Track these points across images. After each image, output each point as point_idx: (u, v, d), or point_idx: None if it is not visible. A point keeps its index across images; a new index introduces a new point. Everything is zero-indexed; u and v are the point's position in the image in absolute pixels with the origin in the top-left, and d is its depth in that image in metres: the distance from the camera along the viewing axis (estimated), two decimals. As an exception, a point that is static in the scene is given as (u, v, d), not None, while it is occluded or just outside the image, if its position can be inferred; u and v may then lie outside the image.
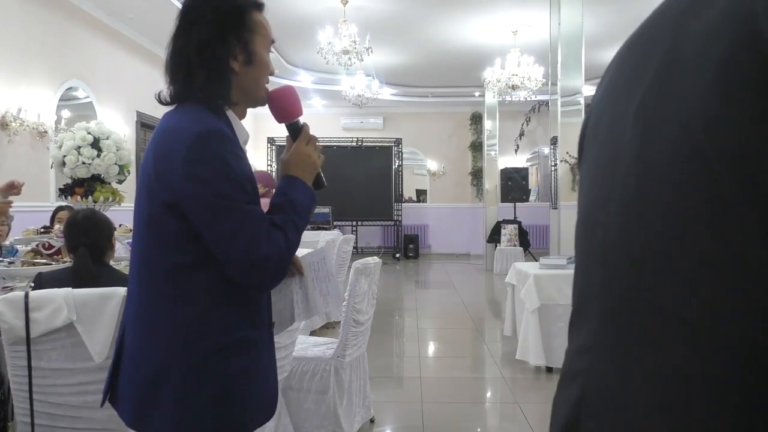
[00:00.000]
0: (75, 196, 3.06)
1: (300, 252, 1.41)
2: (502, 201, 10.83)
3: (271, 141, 11.85)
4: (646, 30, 0.56)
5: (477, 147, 12.54)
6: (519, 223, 10.13)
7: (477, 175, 12.54)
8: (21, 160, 5.41)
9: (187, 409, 1.20)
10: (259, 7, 1.33)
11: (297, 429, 2.78)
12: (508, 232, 9.83)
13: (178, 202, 1.18)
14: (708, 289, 0.44)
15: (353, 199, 11.61)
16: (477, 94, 11.30)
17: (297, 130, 1.38)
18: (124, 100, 7.34)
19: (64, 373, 1.91)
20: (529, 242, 10.44)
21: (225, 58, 1.25)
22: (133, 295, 1.28)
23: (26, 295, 1.89)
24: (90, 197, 3.04)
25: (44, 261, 2.78)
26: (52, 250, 2.86)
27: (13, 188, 2.79)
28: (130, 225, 3.80)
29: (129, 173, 3.26)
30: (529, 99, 9.45)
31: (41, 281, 2.16)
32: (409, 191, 13.08)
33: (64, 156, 2.99)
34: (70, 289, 1.92)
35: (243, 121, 1.36)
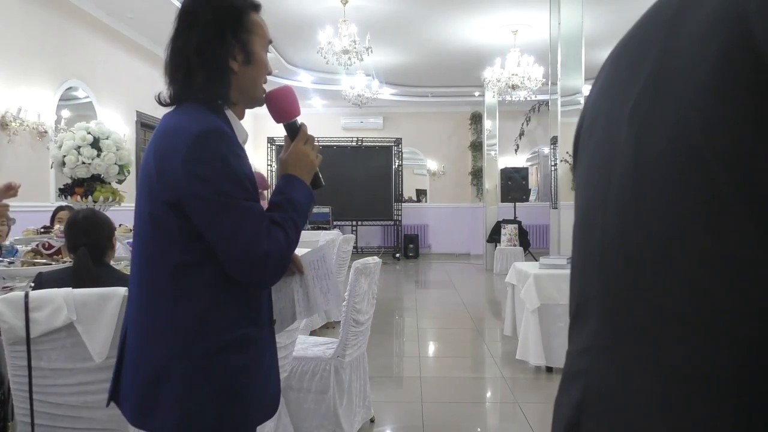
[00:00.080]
0: (75, 196, 3.06)
1: (299, 251, 1.42)
2: (502, 201, 10.83)
3: (270, 141, 11.85)
4: (640, 30, 0.57)
5: (477, 147, 12.54)
6: (519, 222, 10.13)
7: (477, 174, 12.54)
8: (21, 160, 5.41)
9: (188, 408, 1.21)
10: (256, 8, 1.34)
11: (297, 429, 2.78)
12: (508, 231, 9.84)
13: (178, 201, 1.19)
14: (707, 288, 0.44)
15: (353, 198, 11.62)
16: (477, 93, 11.30)
17: (295, 130, 1.39)
18: (124, 100, 7.34)
19: (64, 373, 1.91)
20: (529, 242, 10.44)
21: (224, 58, 1.26)
22: (134, 294, 1.29)
23: (26, 295, 1.89)
24: (90, 197, 3.04)
25: (44, 261, 2.78)
26: (52, 250, 2.86)
27: (10, 190, 2.78)
28: (130, 225, 3.80)
29: (129, 173, 3.26)
30: (529, 99, 9.46)
31: (41, 281, 2.17)
32: (409, 191, 13.08)
33: (64, 156, 2.99)
34: (70, 289, 1.92)
35: (243, 121, 1.37)
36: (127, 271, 2.57)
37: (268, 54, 1.38)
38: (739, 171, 0.42)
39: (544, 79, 7.88)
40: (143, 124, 7.78)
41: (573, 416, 0.56)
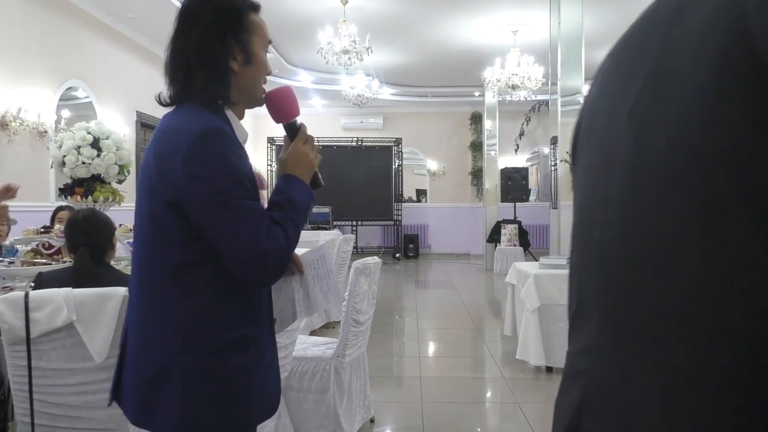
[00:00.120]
0: (75, 196, 3.06)
1: (299, 251, 1.42)
2: (502, 201, 10.83)
3: (270, 141, 11.86)
4: (639, 28, 0.57)
5: (477, 147, 12.54)
6: (519, 222, 10.13)
7: (477, 174, 12.54)
8: (21, 160, 5.41)
9: (188, 407, 1.21)
10: (256, 8, 1.34)
11: (297, 429, 2.78)
12: (508, 231, 9.84)
13: (179, 200, 1.19)
14: (706, 288, 0.44)
15: (353, 198, 11.62)
16: (477, 93, 11.30)
17: (294, 130, 1.39)
18: (124, 100, 7.34)
19: (64, 373, 1.91)
20: (529, 242, 10.44)
21: (224, 58, 1.27)
22: (135, 294, 1.29)
23: (26, 295, 1.89)
24: (90, 197, 3.04)
25: (44, 261, 2.78)
26: (52, 250, 2.87)
27: (9, 191, 2.78)
28: (130, 225, 3.80)
29: (129, 173, 3.26)
30: (529, 99, 9.46)
31: (41, 281, 2.17)
32: (409, 191, 13.08)
33: (64, 156, 2.99)
34: (70, 289, 1.92)
35: (243, 121, 1.38)
36: (127, 271, 2.58)
37: (268, 54, 1.39)
38: (738, 170, 0.42)
39: (544, 79, 7.88)
40: (143, 124, 7.78)
41: (574, 417, 0.56)
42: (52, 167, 5.15)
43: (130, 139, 7.24)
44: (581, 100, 5.80)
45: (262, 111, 1.39)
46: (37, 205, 5.40)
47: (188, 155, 1.17)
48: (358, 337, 3.01)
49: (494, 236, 10.23)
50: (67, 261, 2.69)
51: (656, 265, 0.48)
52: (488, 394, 4.02)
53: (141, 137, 7.73)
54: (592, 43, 6.84)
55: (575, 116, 0.68)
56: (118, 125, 6.88)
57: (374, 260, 3.05)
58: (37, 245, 2.92)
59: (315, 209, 10.27)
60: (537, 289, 4.10)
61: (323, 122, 12.46)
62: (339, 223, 11.16)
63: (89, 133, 3.03)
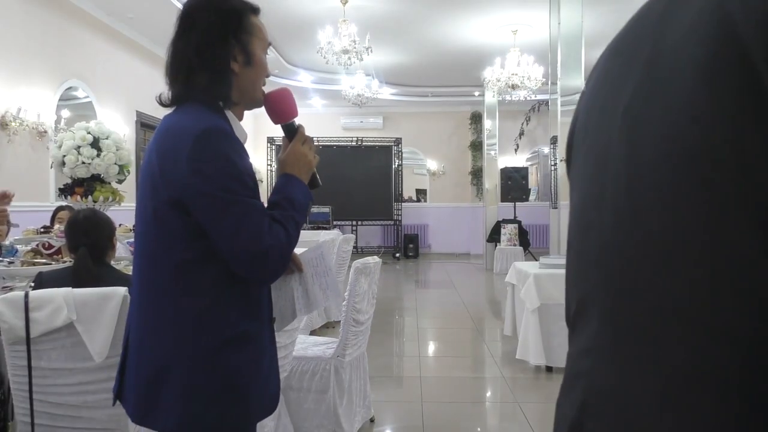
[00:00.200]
0: (75, 196, 3.06)
1: (298, 250, 1.44)
2: (502, 200, 10.83)
3: (270, 141, 11.86)
4: (630, 30, 0.57)
5: (477, 146, 12.54)
6: (519, 222, 10.13)
7: (477, 174, 12.54)
8: (21, 159, 5.41)
9: (190, 404, 1.22)
10: (256, 11, 1.36)
11: (297, 429, 2.78)
12: (508, 231, 9.84)
13: (182, 198, 1.20)
14: (706, 287, 0.44)
15: (353, 198, 11.62)
16: (477, 93, 11.30)
17: (293, 131, 1.41)
18: (123, 100, 7.34)
19: (64, 372, 1.91)
20: (529, 242, 10.44)
21: (225, 59, 1.28)
22: (137, 292, 1.30)
23: (26, 295, 1.89)
24: (90, 197, 3.04)
25: (44, 261, 2.78)
26: (52, 250, 2.87)
27: (5, 198, 2.78)
28: (130, 225, 3.80)
29: (129, 173, 3.26)
30: (528, 98, 9.46)
31: (41, 281, 2.17)
32: (409, 191, 13.08)
33: (64, 156, 2.99)
34: (70, 288, 1.92)
35: (243, 120, 1.40)
36: (128, 271, 2.58)
37: (268, 55, 1.40)
38: (734, 170, 0.42)
39: (544, 79, 7.88)
40: (143, 124, 7.78)
41: (575, 417, 0.56)
42: (52, 167, 5.15)
43: (129, 139, 7.24)
44: (581, 100, 5.81)
45: (262, 111, 1.40)
46: (37, 205, 5.40)
47: (191, 153, 1.19)
48: (358, 337, 3.01)
49: (494, 236, 10.23)
50: (67, 261, 2.69)
51: (655, 265, 0.48)
52: (488, 394, 4.02)
53: (141, 137, 7.73)
54: (592, 43, 6.84)
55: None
56: (118, 125, 6.88)
57: (374, 260, 3.05)
58: (37, 245, 2.92)
59: (315, 209, 10.35)
60: (537, 289, 4.10)
61: (323, 122, 12.46)
62: (339, 222, 11.16)
63: (89, 133, 3.03)
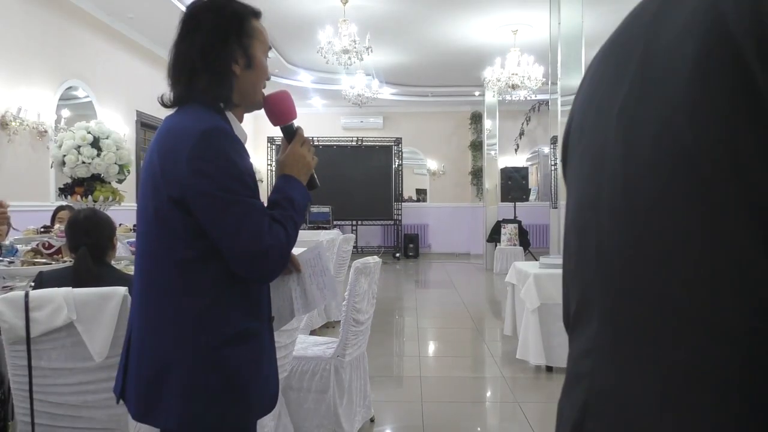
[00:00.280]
0: (75, 196, 3.06)
1: (296, 250, 1.46)
2: (502, 200, 10.83)
3: (270, 140, 11.86)
4: (624, 31, 0.57)
5: (477, 146, 12.54)
6: (519, 222, 10.12)
7: (477, 174, 12.54)
8: (21, 159, 5.41)
9: (190, 403, 1.23)
10: (257, 15, 1.38)
11: (297, 428, 2.78)
12: (508, 231, 9.83)
13: (183, 197, 1.22)
14: (705, 287, 0.44)
15: (353, 198, 11.62)
16: (477, 93, 11.30)
17: (292, 133, 1.44)
18: (124, 99, 7.34)
19: (64, 372, 1.91)
20: (529, 242, 10.44)
21: (227, 62, 1.30)
22: (138, 291, 1.32)
23: (26, 295, 1.89)
24: (90, 197, 3.04)
25: (44, 260, 2.78)
26: (52, 250, 2.86)
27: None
28: (130, 224, 3.80)
29: (129, 173, 3.26)
30: (529, 98, 9.46)
31: (42, 280, 2.17)
32: (409, 191, 13.08)
33: (64, 155, 2.99)
34: (70, 288, 1.92)
35: (243, 120, 1.42)
36: (128, 271, 2.58)
37: (268, 57, 1.42)
38: (728, 169, 0.42)
39: (544, 79, 7.88)
40: (143, 123, 7.78)
41: (578, 418, 0.57)
42: (52, 167, 5.15)
43: (130, 138, 7.24)
44: (581, 100, 5.81)
45: (263, 111, 1.42)
46: (37, 205, 5.40)
47: (192, 153, 1.20)
48: (358, 337, 3.01)
49: (494, 236, 10.23)
50: (67, 261, 2.69)
51: (654, 266, 0.48)
52: (488, 394, 4.02)
53: (141, 137, 7.74)
54: (592, 43, 6.84)
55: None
56: (118, 125, 6.88)
57: (374, 260, 3.05)
58: (37, 245, 2.92)
59: (315, 209, 10.36)
60: (537, 289, 4.10)
61: (323, 122, 12.46)
62: (339, 222, 11.16)
63: (89, 132, 3.03)
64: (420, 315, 6.48)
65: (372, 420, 3.21)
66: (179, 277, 1.25)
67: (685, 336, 0.45)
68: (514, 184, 10.75)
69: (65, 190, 3.12)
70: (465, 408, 3.62)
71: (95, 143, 3.03)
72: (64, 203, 3.59)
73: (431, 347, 5.22)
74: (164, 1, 6.40)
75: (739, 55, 0.41)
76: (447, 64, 9.81)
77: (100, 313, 1.88)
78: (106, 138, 3.06)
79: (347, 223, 11.76)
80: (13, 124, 5.20)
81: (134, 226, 3.33)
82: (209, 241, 1.23)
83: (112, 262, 2.38)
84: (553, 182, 7.03)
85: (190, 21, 1.32)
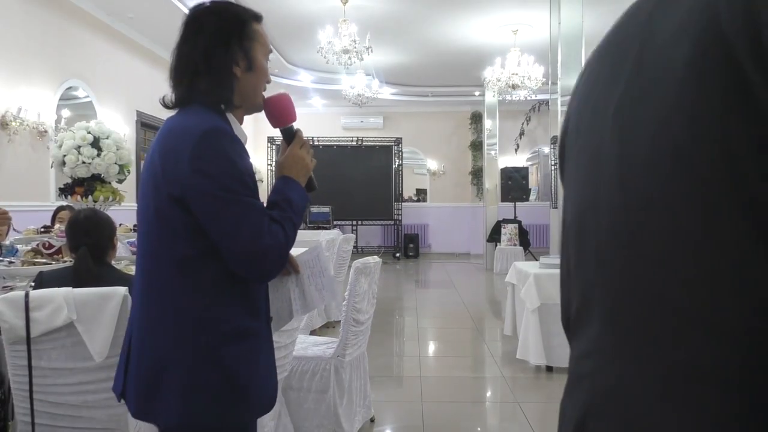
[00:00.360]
0: (75, 196, 3.06)
1: (295, 251, 1.47)
2: (502, 200, 10.83)
3: (270, 141, 11.86)
4: (620, 30, 0.57)
5: (477, 146, 12.54)
6: (519, 222, 10.12)
7: (477, 174, 12.54)
8: (21, 159, 5.41)
9: (191, 400, 1.24)
10: (258, 19, 1.40)
11: (297, 428, 2.78)
12: (508, 231, 9.83)
13: (183, 196, 1.23)
14: (704, 287, 0.44)
15: (353, 198, 11.62)
16: (477, 93, 11.30)
17: (291, 135, 1.45)
18: (124, 99, 7.34)
19: (64, 372, 1.91)
20: (529, 242, 10.44)
21: (228, 64, 1.32)
22: (139, 289, 1.33)
23: (26, 295, 1.90)
24: (90, 197, 3.04)
25: (44, 260, 2.78)
26: (52, 250, 2.86)
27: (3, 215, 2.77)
28: (130, 224, 3.80)
29: (129, 173, 3.26)
30: (529, 98, 9.46)
31: (42, 280, 2.17)
32: (409, 191, 13.08)
33: (64, 155, 2.99)
34: (71, 288, 1.92)
35: (244, 120, 1.44)
36: (128, 271, 2.58)
37: (269, 60, 1.44)
38: (722, 168, 0.42)
39: (544, 79, 7.88)
40: (143, 123, 7.78)
41: (580, 418, 0.57)
42: (52, 167, 5.15)
43: (130, 138, 7.24)
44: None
45: (263, 112, 1.44)
46: (37, 205, 5.40)
47: (193, 153, 1.22)
48: (358, 337, 3.01)
49: (494, 236, 10.23)
50: (67, 261, 2.69)
51: (652, 265, 0.48)
52: (488, 394, 4.02)
53: (141, 137, 7.74)
54: (592, 42, 6.84)
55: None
56: (118, 125, 6.88)
57: (374, 260, 3.05)
58: (38, 245, 2.92)
59: (315, 209, 10.36)
60: (537, 289, 4.10)
61: (323, 122, 12.46)
62: (339, 222, 11.16)
63: (89, 132, 3.03)
64: (420, 315, 6.48)
65: (372, 420, 3.21)
66: (179, 276, 1.26)
67: (685, 336, 0.45)
68: (514, 184, 10.74)
69: (65, 190, 3.12)
70: (465, 408, 3.62)
71: (95, 143, 3.03)
72: (64, 203, 3.59)
73: (431, 347, 5.22)
74: (164, 1, 6.40)
75: (732, 55, 0.41)
76: (447, 64, 9.81)
77: (100, 313, 1.89)
78: (107, 138, 3.06)
79: (347, 223, 11.76)
80: (13, 124, 5.20)
81: (134, 226, 3.33)
82: (209, 240, 1.24)
83: (113, 262, 2.38)
84: (553, 182, 7.03)
85: (193, 24, 1.34)
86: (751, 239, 0.41)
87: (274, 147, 11.85)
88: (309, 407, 2.81)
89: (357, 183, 11.76)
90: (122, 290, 1.90)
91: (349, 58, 6.76)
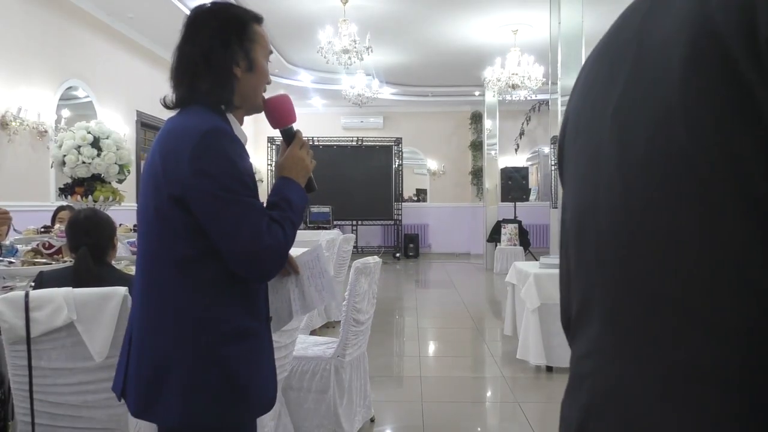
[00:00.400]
0: (75, 196, 3.06)
1: (296, 251, 1.48)
2: (502, 200, 10.83)
3: (271, 141, 11.86)
4: (617, 31, 0.57)
5: (477, 146, 12.54)
6: (519, 222, 10.12)
7: (477, 174, 12.54)
8: (21, 159, 5.41)
9: (190, 400, 1.25)
10: (259, 20, 1.41)
11: (297, 428, 2.78)
12: (508, 231, 9.83)
13: (183, 196, 1.24)
14: (703, 286, 0.44)
15: (353, 198, 11.62)
16: (477, 93, 11.30)
17: (291, 136, 1.46)
18: (124, 99, 7.34)
19: (64, 372, 1.91)
20: (529, 241, 10.44)
21: (228, 64, 1.33)
22: (139, 288, 1.33)
23: (26, 295, 1.90)
24: (90, 197, 3.04)
25: (44, 260, 2.78)
26: (52, 250, 2.86)
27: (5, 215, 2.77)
28: (130, 225, 3.80)
29: (129, 173, 3.26)
30: (529, 98, 9.46)
31: (42, 280, 2.17)
32: (409, 191, 13.08)
33: (64, 155, 2.99)
34: (71, 288, 1.92)
35: (244, 120, 1.45)
36: (128, 271, 2.58)
37: (269, 62, 1.45)
38: (727, 168, 0.42)
39: (545, 79, 7.88)
40: (143, 123, 7.78)
41: (581, 419, 0.57)
42: (52, 167, 5.15)
43: (130, 138, 7.24)
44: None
45: (263, 113, 1.44)
46: (37, 205, 5.40)
47: (194, 153, 1.22)
48: (359, 337, 3.01)
49: (494, 236, 10.23)
50: (67, 261, 2.69)
51: (652, 266, 0.48)
52: (488, 394, 4.02)
53: (141, 137, 7.74)
54: (592, 42, 6.83)
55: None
56: (118, 125, 6.88)
57: (374, 260, 3.05)
58: (38, 245, 2.92)
59: (315, 209, 10.36)
60: (537, 289, 4.10)
61: (323, 122, 12.46)
62: (339, 222, 11.16)
63: (89, 132, 3.03)
64: (420, 315, 6.48)
65: (372, 420, 3.21)
66: (179, 276, 1.27)
67: (685, 336, 0.45)
68: (515, 184, 10.74)
69: (65, 190, 3.12)
70: (465, 408, 3.62)
71: (95, 143, 3.03)
72: (64, 203, 3.59)
73: (431, 347, 5.22)
74: (164, 1, 6.40)
75: (728, 55, 0.41)
76: (447, 64, 9.80)
77: (100, 313, 1.89)
78: (107, 138, 3.06)
79: (347, 223, 11.76)
80: (13, 124, 5.20)
81: (134, 226, 3.33)
82: (209, 240, 1.25)
83: (113, 262, 2.38)
84: (553, 182, 7.03)
85: (194, 24, 1.35)
86: (755, 239, 0.41)
87: (274, 147, 11.84)
88: (309, 407, 2.81)
89: (357, 183, 11.76)
90: (122, 290, 1.90)
91: (349, 58, 6.76)
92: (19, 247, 3.08)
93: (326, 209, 10.45)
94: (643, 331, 0.49)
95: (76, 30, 6.41)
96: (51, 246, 2.87)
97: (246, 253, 1.25)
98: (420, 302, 7.31)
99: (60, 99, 6.04)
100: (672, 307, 0.46)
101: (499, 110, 10.88)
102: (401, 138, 12.24)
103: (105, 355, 1.87)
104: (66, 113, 6.14)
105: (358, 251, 10.94)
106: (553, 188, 6.93)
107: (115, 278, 2.17)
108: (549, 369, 4.15)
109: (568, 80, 5.78)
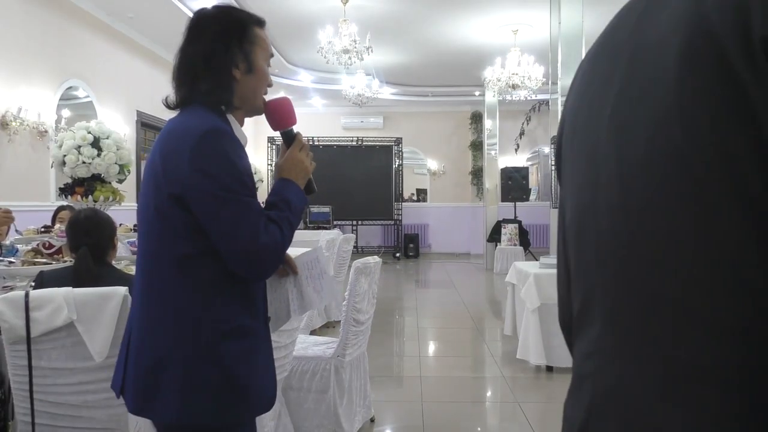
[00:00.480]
0: (75, 196, 3.06)
1: (297, 252, 1.50)
2: (503, 200, 10.83)
3: (271, 141, 11.86)
4: (612, 32, 0.57)
5: (477, 146, 12.53)
6: (519, 222, 10.12)
7: (477, 174, 12.54)
8: (21, 159, 5.41)
9: (190, 396, 1.26)
10: (261, 23, 1.43)
11: (297, 428, 2.78)
12: (509, 231, 9.83)
13: (183, 195, 1.25)
14: (701, 285, 0.44)
15: (353, 198, 11.62)
16: (477, 93, 11.30)
17: (291, 138, 1.47)
18: (124, 99, 7.34)
19: (64, 372, 1.91)
20: (529, 241, 10.44)
21: (228, 66, 1.35)
22: (139, 287, 1.35)
23: (26, 295, 1.90)
24: (90, 197, 3.04)
25: (44, 260, 2.78)
26: (53, 250, 2.86)
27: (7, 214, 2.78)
28: (130, 224, 3.80)
29: (129, 173, 3.26)
30: (529, 98, 9.45)
31: (42, 280, 2.17)
32: (409, 191, 13.08)
33: (65, 155, 2.99)
34: (71, 288, 1.92)
35: (245, 121, 1.46)
36: (128, 271, 2.58)
37: (269, 65, 1.46)
38: (719, 170, 0.42)
39: (545, 79, 7.88)
40: (143, 123, 7.78)
41: (584, 419, 0.57)
42: (52, 167, 5.15)
43: (130, 138, 7.24)
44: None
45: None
46: (37, 205, 5.40)
47: (193, 153, 1.24)
48: (359, 337, 3.01)
49: (494, 236, 10.23)
50: (67, 261, 2.69)
51: (651, 265, 0.48)
52: (488, 394, 4.02)
53: (141, 137, 7.73)
54: (592, 42, 6.83)
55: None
56: (118, 125, 6.87)
57: (374, 260, 3.05)
58: (38, 245, 2.92)
59: (315, 209, 10.36)
60: (537, 289, 4.10)
61: (323, 122, 12.46)
62: (339, 222, 11.16)
63: (89, 132, 3.03)
64: (420, 315, 6.48)
65: (372, 420, 3.21)
66: (179, 275, 1.28)
67: (685, 336, 0.45)
68: (515, 184, 10.74)
69: (65, 190, 3.12)
70: (465, 408, 3.62)
71: (95, 143, 3.03)
72: (64, 203, 3.59)
73: (431, 347, 5.22)
74: (164, 1, 6.39)
75: (723, 56, 0.41)
76: (447, 64, 9.80)
77: (101, 313, 1.89)
78: (107, 138, 3.06)
79: (347, 223, 11.75)
80: (14, 124, 5.20)
81: (134, 226, 3.33)
82: (209, 240, 1.26)
83: (113, 262, 2.38)
84: (553, 182, 7.04)
85: (196, 27, 1.38)
86: (751, 239, 0.41)
87: (274, 147, 11.84)
88: (309, 407, 2.81)
89: (357, 183, 11.76)
90: (122, 290, 1.90)
91: (349, 58, 6.76)
92: (19, 247, 3.08)
93: (326, 209, 10.45)
94: (643, 331, 0.49)
95: (76, 30, 6.41)
96: (51, 246, 2.88)
97: (245, 253, 1.26)
98: (420, 302, 7.31)
99: (60, 99, 6.04)
100: (672, 307, 0.46)
101: (499, 110, 10.88)
102: (401, 138, 12.23)
103: (105, 355, 1.87)
104: (66, 113, 6.14)
105: (358, 251, 10.94)
106: (553, 188, 6.93)
107: (116, 278, 2.17)
108: (549, 369, 4.15)
109: (568, 80, 5.77)
